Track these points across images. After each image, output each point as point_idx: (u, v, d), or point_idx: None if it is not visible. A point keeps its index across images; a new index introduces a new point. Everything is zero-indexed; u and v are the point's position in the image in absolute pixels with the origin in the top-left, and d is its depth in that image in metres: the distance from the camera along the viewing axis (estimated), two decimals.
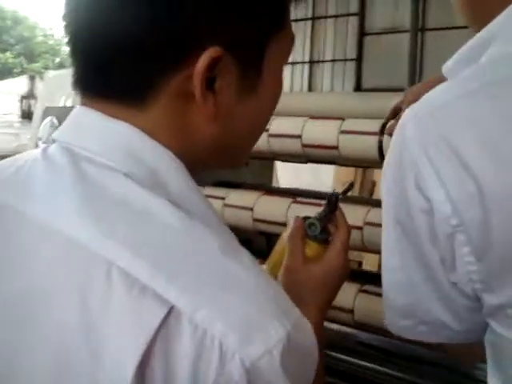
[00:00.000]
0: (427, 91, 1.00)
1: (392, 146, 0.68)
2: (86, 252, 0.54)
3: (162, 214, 0.56)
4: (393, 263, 0.72)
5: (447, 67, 0.76)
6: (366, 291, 1.06)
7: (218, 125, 0.65)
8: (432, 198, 0.63)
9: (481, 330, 0.70)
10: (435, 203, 0.62)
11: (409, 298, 0.72)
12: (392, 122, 1.04)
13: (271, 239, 1.57)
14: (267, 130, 1.03)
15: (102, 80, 0.65)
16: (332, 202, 0.87)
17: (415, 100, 1.00)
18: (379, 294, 1.11)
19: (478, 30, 0.74)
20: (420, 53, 8.26)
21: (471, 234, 0.61)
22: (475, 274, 0.64)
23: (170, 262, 0.54)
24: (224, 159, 0.72)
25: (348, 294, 1.08)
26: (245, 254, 0.59)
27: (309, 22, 11.40)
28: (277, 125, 1.06)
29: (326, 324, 1.12)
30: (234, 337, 0.52)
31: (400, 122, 0.67)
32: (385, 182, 0.70)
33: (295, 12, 10.91)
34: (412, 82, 8.02)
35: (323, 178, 5.99)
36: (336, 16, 10.99)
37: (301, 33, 11.83)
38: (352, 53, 10.45)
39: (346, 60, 10.60)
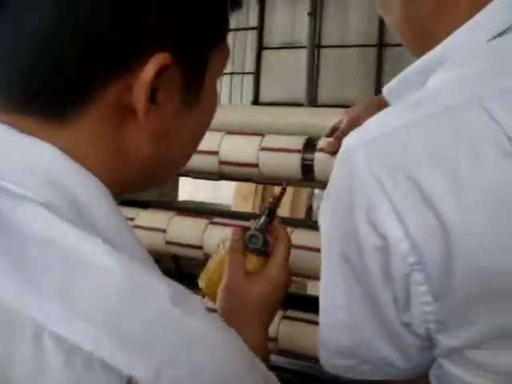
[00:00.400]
0: (369, 114, 0.98)
1: (337, 175, 0.62)
2: (7, 313, 0.42)
3: (96, 257, 0.47)
4: (335, 302, 0.65)
5: (390, 89, 0.71)
6: (288, 317, 1.00)
7: (157, 142, 0.56)
8: (387, 234, 0.57)
9: (428, 366, 0.66)
10: (391, 240, 0.56)
11: (352, 339, 0.65)
12: (328, 140, 0.98)
13: (179, 259, 1.48)
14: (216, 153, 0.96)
15: (22, 91, 0.53)
16: (271, 211, 0.84)
17: (355, 121, 0.98)
18: (303, 320, 1.07)
19: (419, 54, 0.70)
20: (316, 68, 8.50)
21: (430, 272, 0.56)
22: (431, 315, 0.59)
23: (117, 321, 0.43)
24: (156, 179, 0.65)
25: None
26: (192, 300, 0.50)
27: None
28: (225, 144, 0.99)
29: None
30: None
31: (345, 148, 0.60)
32: (328, 214, 0.64)
33: None
34: (310, 95, 8.24)
35: (223, 191, 5.95)
36: (235, 30, 11.16)
37: None
38: (250, 66, 10.62)
39: (244, 73, 10.77)
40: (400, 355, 0.63)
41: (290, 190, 4.27)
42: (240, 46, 10.48)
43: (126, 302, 0.45)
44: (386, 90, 0.72)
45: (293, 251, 0.87)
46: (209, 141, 1.02)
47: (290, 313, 1.07)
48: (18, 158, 0.52)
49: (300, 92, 8.56)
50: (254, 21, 10.03)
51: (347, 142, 0.62)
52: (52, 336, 0.42)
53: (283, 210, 4.11)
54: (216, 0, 0.58)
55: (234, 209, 4.12)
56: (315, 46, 8.47)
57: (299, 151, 0.99)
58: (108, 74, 0.52)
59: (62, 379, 0.40)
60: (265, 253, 0.84)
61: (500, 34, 0.60)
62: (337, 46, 9.00)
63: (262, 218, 0.84)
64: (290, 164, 1.00)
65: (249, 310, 0.82)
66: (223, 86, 10.91)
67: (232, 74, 10.63)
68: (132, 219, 1.07)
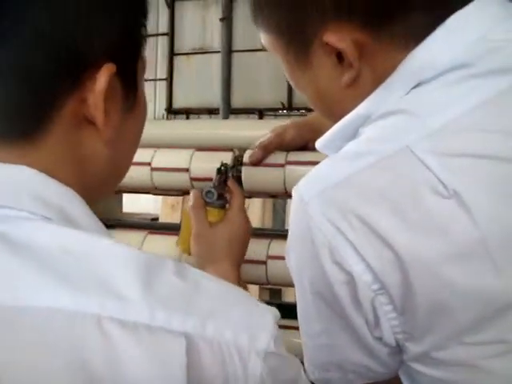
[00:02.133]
0: (297, 132, 1.03)
1: (296, 223, 0.70)
2: (63, 314, 0.48)
3: (113, 248, 0.53)
4: (314, 329, 0.73)
5: (323, 143, 0.79)
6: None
7: (112, 147, 0.61)
8: (351, 270, 0.65)
9: (399, 367, 0.74)
10: (356, 274, 0.65)
11: (335, 357, 0.73)
12: (253, 151, 1.03)
13: None
14: (149, 164, 0.94)
15: None
16: (222, 171, 0.98)
17: (280, 136, 1.03)
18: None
19: (331, 118, 0.80)
20: (228, 73, 8.55)
21: (392, 294, 0.64)
22: (398, 327, 0.67)
23: (155, 292, 0.50)
24: (111, 186, 0.71)
25: None
26: (196, 272, 0.58)
27: None
28: (159, 157, 0.97)
29: None
30: (244, 338, 0.53)
31: (300, 197, 0.68)
32: (296, 259, 0.72)
33: None
34: (225, 101, 8.27)
35: (142, 202, 5.88)
36: (146, 36, 10.94)
37: None
38: (163, 73, 10.55)
39: (156, 80, 10.68)
40: (376, 363, 0.73)
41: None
42: (151, 52, 10.37)
43: (152, 274, 0.51)
44: (320, 144, 0.81)
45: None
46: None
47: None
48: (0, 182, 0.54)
49: (214, 97, 8.59)
50: (163, 26, 9.98)
51: (302, 191, 0.68)
52: (111, 321, 0.47)
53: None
54: (139, 10, 0.62)
55: (162, 219, 4.09)
56: (229, 51, 8.51)
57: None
58: (65, 87, 0.55)
59: (132, 353, 0.47)
60: (223, 206, 0.97)
61: (413, 88, 0.68)
62: (249, 51, 9.10)
63: (216, 177, 0.96)
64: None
65: (216, 252, 0.94)
66: None
67: (145, 80, 10.48)
68: None
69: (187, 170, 1.01)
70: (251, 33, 9.85)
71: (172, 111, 9.75)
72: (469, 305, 0.61)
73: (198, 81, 9.41)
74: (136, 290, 0.49)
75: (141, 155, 1.08)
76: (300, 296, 0.73)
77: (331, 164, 0.70)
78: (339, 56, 0.70)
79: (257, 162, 1.03)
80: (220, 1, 8.36)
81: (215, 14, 8.87)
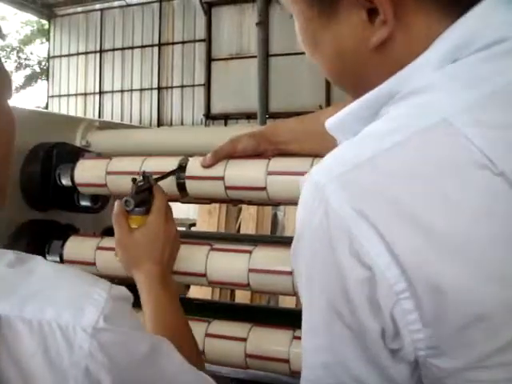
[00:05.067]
0: (253, 142, 1.02)
1: (308, 213, 0.61)
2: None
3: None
4: (318, 344, 0.66)
5: (335, 123, 0.70)
6: (299, 337, 0.97)
7: None
8: (373, 263, 0.56)
9: None
10: (377, 269, 0.56)
11: (339, 377, 0.66)
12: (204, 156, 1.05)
13: None
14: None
15: None
16: (145, 178, 1.01)
17: (234, 144, 1.02)
18: None
19: (351, 86, 0.73)
20: (266, 77, 8.54)
21: (421, 297, 0.55)
22: (422, 342, 0.57)
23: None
24: None
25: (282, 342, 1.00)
26: (36, 258, 0.63)
27: (155, 48, 11.44)
28: (194, 165, 0.98)
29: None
30: (68, 313, 0.56)
31: (313, 185, 0.58)
32: (306, 256, 0.63)
33: (141, 38, 10.84)
34: (262, 105, 8.26)
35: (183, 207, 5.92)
36: (182, 42, 11.15)
37: (148, 59, 11.82)
38: (200, 78, 10.63)
39: (194, 86, 10.76)
40: (383, 380, 0.63)
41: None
42: (188, 58, 10.48)
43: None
44: (330, 124, 0.71)
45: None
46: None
47: (300, 333, 1.07)
48: None
49: (252, 102, 8.59)
50: (200, 33, 10.06)
51: (316, 176, 0.59)
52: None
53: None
54: None
55: (199, 224, 4.11)
56: (266, 55, 8.51)
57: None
58: None
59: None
60: (144, 212, 1.00)
61: (451, 62, 0.61)
62: (286, 55, 9.08)
63: (132, 186, 1.00)
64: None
65: (137, 255, 0.97)
66: (174, 99, 10.87)
67: (183, 86, 10.64)
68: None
69: (222, 178, 1.00)
70: (288, 36, 9.83)
71: (210, 116, 9.81)
72: None
73: (236, 86, 9.44)
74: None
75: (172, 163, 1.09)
76: (307, 304, 0.66)
77: (350, 145, 0.62)
78: (371, 13, 0.63)
79: (206, 167, 1.02)
80: (256, 6, 8.37)
81: (251, 18, 8.89)
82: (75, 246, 1.03)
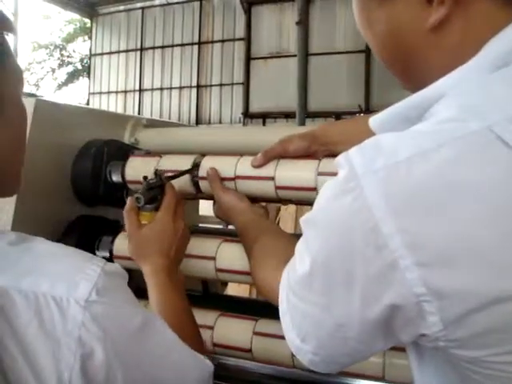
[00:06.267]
0: (302, 144, 1.01)
1: (338, 193, 0.59)
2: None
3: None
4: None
5: (381, 121, 0.68)
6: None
7: None
8: (394, 261, 0.55)
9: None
10: (398, 268, 0.55)
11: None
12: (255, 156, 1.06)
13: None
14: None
15: None
16: (157, 176, 1.04)
17: (285, 146, 1.02)
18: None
19: (403, 69, 0.70)
20: (305, 76, 8.50)
21: (442, 300, 0.54)
22: (442, 338, 0.57)
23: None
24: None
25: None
26: (37, 238, 0.67)
27: (195, 47, 11.53)
28: (244, 166, 0.98)
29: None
30: (62, 286, 0.60)
31: (345, 169, 0.57)
32: (322, 238, 0.61)
33: (181, 37, 10.93)
34: (301, 104, 8.23)
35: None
36: (222, 41, 11.20)
37: (187, 57, 11.92)
38: (239, 77, 10.66)
39: (233, 84, 10.80)
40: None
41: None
42: (228, 57, 10.52)
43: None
44: (375, 121, 0.69)
45: None
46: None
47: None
48: None
49: (290, 101, 8.57)
50: (240, 31, 10.08)
51: (354, 160, 0.57)
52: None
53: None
54: None
55: None
56: (305, 54, 8.47)
57: None
58: None
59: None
60: (155, 209, 1.03)
61: (499, 68, 0.60)
62: (326, 54, 9.03)
63: (143, 183, 1.03)
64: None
65: (145, 248, 1.00)
66: (213, 97, 10.94)
67: (221, 85, 10.69)
68: None
69: (273, 178, 1.00)
70: (327, 36, 9.80)
71: (248, 115, 9.82)
72: None
73: (275, 85, 9.44)
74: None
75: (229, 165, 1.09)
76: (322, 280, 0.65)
77: (399, 136, 0.59)
78: None
79: (257, 167, 1.03)
80: (296, 5, 8.35)
81: (291, 17, 8.86)
82: (125, 243, 1.04)
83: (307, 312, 0.64)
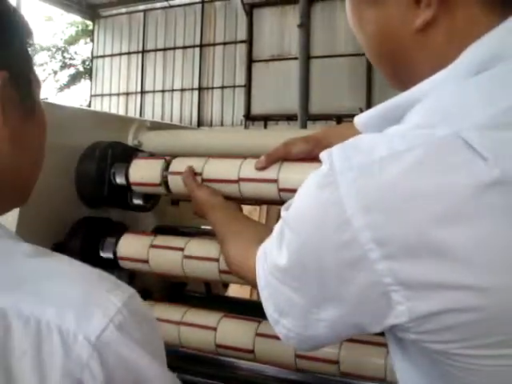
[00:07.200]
0: (306, 146, 1.03)
1: (316, 185, 0.62)
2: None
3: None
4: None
5: (365, 120, 0.72)
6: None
7: (13, 147, 0.65)
8: (362, 254, 0.58)
9: None
10: (367, 260, 0.58)
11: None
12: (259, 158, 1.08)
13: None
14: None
15: None
16: None
17: (288, 148, 1.03)
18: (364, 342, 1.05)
19: (391, 68, 0.73)
20: (306, 79, 8.52)
21: (408, 290, 0.58)
22: (411, 329, 0.60)
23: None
24: (18, 193, 0.70)
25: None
26: (58, 255, 0.61)
27: (197, 49, 11.55)
28: (247, 168, 0.99)
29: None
30: (71, 315, 0.51)
31: (326, 164, 0.61)
32: (299, 232, 0.65)
33: (183, 39, 10.95)
34: (303, 106, 8.24)
35: None
36: (224, 43, 11.22)
37: (189, 60, 11.94)
38: (241, 79, 10.67)
39: (235, 86, 10.82)
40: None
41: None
42: (230, 59, 10.53)
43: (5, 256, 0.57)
44: (360, 120, 0.73)
45: None
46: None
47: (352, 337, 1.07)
48: None
49: (292, 103, 8.58)
50: (242, 34, 10.10)
51: (334, 157, 0.61)
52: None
53: None
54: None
55: None
56: (307, 57, 8.49)
57: None
58: None
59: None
60: None
61: (477, 73, 0.62)
62: (327, 56, 9.04)
63: None
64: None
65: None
66: (214, 99, 10.95)
67: (223, 87, 10.71)
68: (182, 249, 1.07)
69: (276, 180, 1.01)
70: (329, 38, 9.80)
71: (250, 118, 9.83)
72: None
73: (276, 87, 9.45)
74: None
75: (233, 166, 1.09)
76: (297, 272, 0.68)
77: (377, 136, 0.62)
78: None
79: (260, 169, 1.04)
80: (298, 7, 8.37)
81: (293, 20, 8.88)
82: (129, 244, 1.04)
83: (283, 291, 0.67)
